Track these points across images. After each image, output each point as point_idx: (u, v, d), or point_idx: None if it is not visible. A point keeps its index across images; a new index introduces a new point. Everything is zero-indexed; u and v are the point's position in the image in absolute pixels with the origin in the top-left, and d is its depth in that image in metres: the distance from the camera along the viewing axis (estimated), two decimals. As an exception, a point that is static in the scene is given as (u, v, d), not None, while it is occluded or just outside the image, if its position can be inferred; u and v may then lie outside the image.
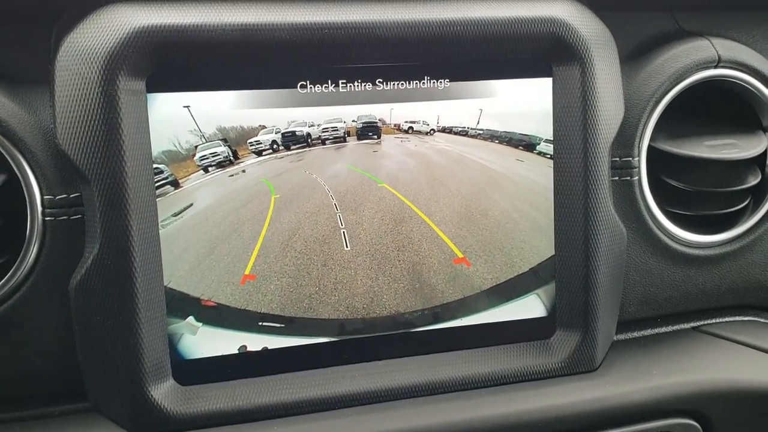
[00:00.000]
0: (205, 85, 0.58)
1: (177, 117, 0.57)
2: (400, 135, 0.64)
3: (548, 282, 0.67)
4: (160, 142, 0.57)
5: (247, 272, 0.60)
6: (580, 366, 0.67)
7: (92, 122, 0.54)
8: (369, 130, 0.63)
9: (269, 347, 0.62)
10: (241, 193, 0.60)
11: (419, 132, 0.64)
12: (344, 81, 0.61)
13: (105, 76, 0.53)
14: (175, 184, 0.59)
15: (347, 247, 0.62)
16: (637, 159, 0.70)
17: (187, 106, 0.57)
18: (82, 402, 0.60)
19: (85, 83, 0.53)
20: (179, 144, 0.58)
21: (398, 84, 0.63)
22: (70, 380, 0.60)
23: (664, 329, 0.77)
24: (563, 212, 0.66)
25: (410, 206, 0.65)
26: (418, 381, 0.63)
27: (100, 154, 0.54)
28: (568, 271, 0.67)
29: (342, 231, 0.62)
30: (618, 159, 0.69)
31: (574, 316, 0.67)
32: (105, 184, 0.55)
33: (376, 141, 0.63)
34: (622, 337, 0.74)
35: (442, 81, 0.64)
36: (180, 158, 0.58)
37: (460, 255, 0.66)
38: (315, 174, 0.62)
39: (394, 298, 0.65)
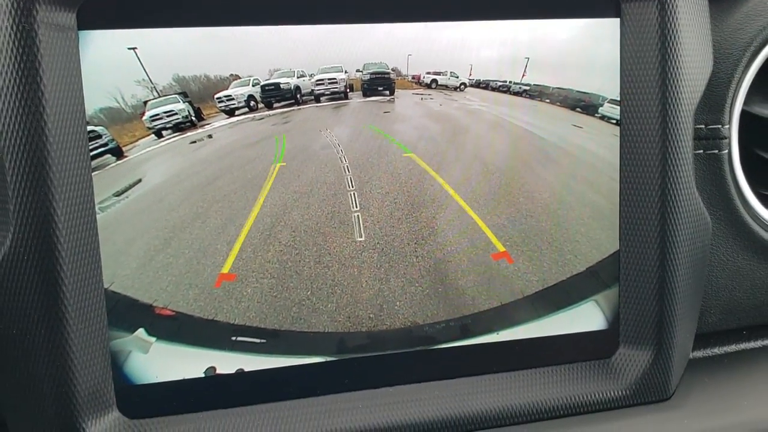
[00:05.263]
0: (156, 18, 0.51)
1: (120, 62, 0.51)
2: (421, 90, 0.57)
3: (610, 285, 0.60)
4: (96, 97, 0.51)
5: (225, 270, 0.54)
6: (649, 394, 0.61)
7: (0, 67, 0.47)
8: (379, 83, 0.56)
9: (245, 369, 0.55)
10: (207, 165, 0.53)
11: (445, 87, 0.57)
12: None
13: (18, 4, 0.47)
14: (118, 152, 0.52)
15: (360, 236, 0.55)
16: (727, 127, 0.64)
17: (133, 48, 0.51)
18: (0, 437, 0.55)
19: None
20: (123, 99, 0.51)
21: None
22: None
23: (752, 344, 0.71)
24: (632, 195, 0.59)
25: (443, 185, 0.57)
26: (441, 414, 0.57)
27: (11, 111, 0.48)
28: (636, 271, 0.60)
29: (355, 215, 0.55)
30: (703, 127, 0.63)
31: (643, 328, 0.60)
32: (19, 152, 0.48)
33: (387, 98, 0.56)
34: (699, 354, 0.69)
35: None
36: (124, 118, 0.52)
37: (501, 248, 0.58)
38: (327, 136, 0.55)
39: (410, 305, 0.57)
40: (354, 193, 0.55)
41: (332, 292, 0.55)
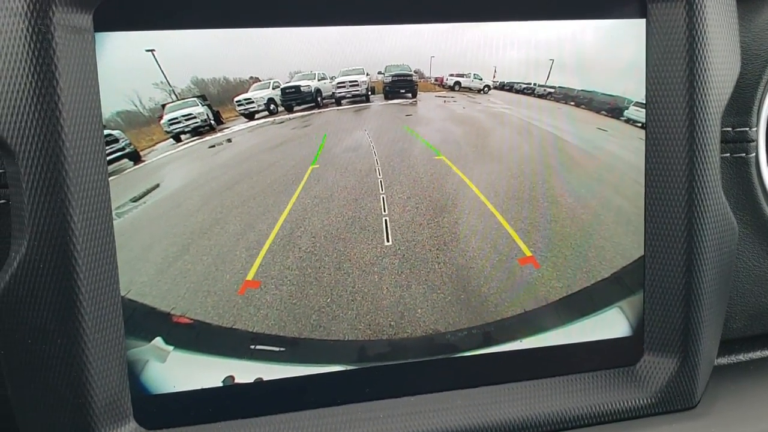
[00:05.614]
0: (174, 20, 0.50)
1: (137, 65, 0.50)
2: (443, 93, 0.56)
3: (635, 292, 0.59)
4: (113, 100, 0.50)
5: (249, 277, 0.53)
6: (675, 402, 0.59)
7: (16, 71, 0.46)
8: (401, 86, 0.55)
9: (264, 378, 0.54)
10: (227, 170, 0.52)
11: (469, 89, 0.56)
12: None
13: (34, 6, 0.46)
14: (135, 157, 0.51)
15: (388, 241, 0.54)
16: (755, 130, 0.63)
17: (151, 50, 0.50)
18: (15, 450, 0.55)
19: (6, 15, 0.46)
20: (140, 102, 0.50)
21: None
22: (0, 422, 0.55)
23: None
24: (658, 200, 0.58)
25: (474, 190, 0.55)
26: (464, 423, 0.56)
27: (27, 115, 0.47)
28: (661, 276, 0.59)
29: (384, 219, 0.54)
30: (730, 129, 0.62)
31: (668, 335, 0.59)
32: (35, 158, 0.47)
33: (410, 101, 0.55)
34: (724, 361, 0.68)
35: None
36: (142, 122, 0.51)
37: (528, 253, 0.57)
38: (361, 138, 0.54)
39: (432, 312, 0.56)
40: (384, 197, 0.54)
41: (352, 300, 0.54)
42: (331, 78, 0.52)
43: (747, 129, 0.62)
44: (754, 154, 0.62)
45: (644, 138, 0.57)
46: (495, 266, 0.56)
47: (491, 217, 0.56)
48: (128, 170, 0.50)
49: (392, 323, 0.55)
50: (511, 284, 0.57)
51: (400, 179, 0.54)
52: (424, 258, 0.55)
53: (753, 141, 0.62)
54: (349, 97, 0.53)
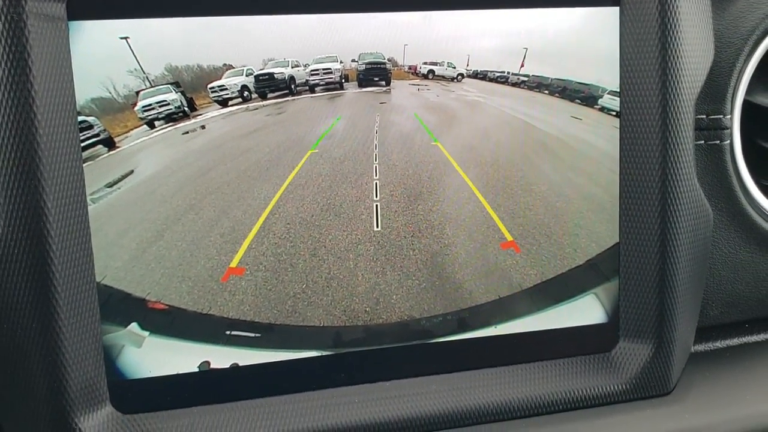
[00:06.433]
0: (147, 9, 0.50)
1: (111, 53, 0.49)
2: (417, 81, 0.55)
3: (610, 278, 0.59)
4: (87, 87, 0.49)
5: (233, 264, 0.53)
6: (650, 388, 0.60)
7: None
8: (374, 74, 0.55)
9: (240, 363, 0.54)
10: (201, 156, 0.52)
11: (442, 77, 0.56)
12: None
13: None
14: (110, 143, 0.51)
15: (377, 227, 0.54)
16: (729, 117, 0.62)
17: (125, 38, 0.50)
18: (-9, 434, 0.54)
19: None
20: (114, 89, 0.50)
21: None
22: None
23: (754, 338, 0.69)
24: (632, 187, 0.58)
25: (464, 178, 0.55)
26: (439, 408, 0.56)
27: (0, 102, 0.47)
28: (636, 263, 0.59)
29: (375, 204, 0.54)
30: (704, 117, 0.62)
31: (644, 322, 0.59)
32: (8, 144, 0.47)
33: (384, 89, 0.55)
34: (701, 348, 0.68)
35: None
36: (116, 108, 0.51)
37: (510, 237, 0.57)
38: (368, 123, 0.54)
39: (407, 298, 0.56)
40: (377, 183, 0.54)
41: (327, 286, 0.54)
42: (305, 65, 0.52)
43: (721, 116, 0.62)
44: (728, 142, 0.62)
45: (618, 126, 0.57)
46: (469, 253, 0.56)
47: (476, 202, 0.56)
48: (103, 156, 0.50)
49: (367, 309, 0.55)
50: (486, 272, 0.57)
51: (400, 163, 0.55)
52: (399, 244, 0.55)
53: (727, 128, 0.62)
54: (322, 85, 0.53)
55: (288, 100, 0.53)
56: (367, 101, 0.54)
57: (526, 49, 0.55)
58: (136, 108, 0.51)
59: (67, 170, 0.48)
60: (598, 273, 0.59)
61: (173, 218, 0.51)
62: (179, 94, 0.51)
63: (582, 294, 0.59)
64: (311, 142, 0.53)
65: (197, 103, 0.52)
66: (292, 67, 0.52)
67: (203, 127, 0.52)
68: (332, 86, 0.54)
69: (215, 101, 0.52)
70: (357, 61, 0.53)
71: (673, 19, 0.55)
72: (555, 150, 0.57)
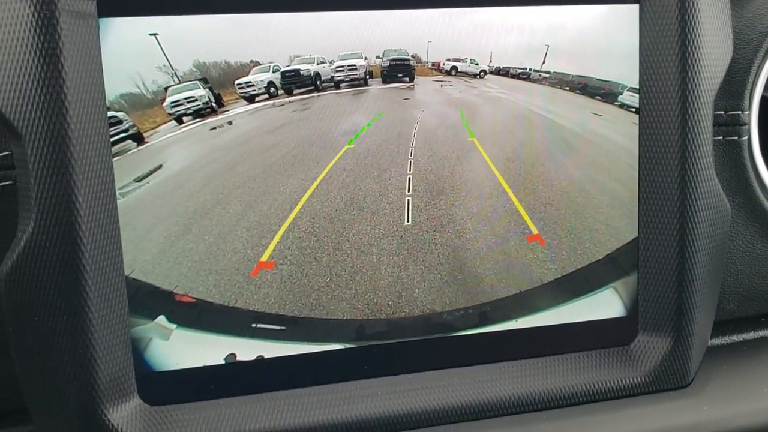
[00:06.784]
0: (176, 6, 0.50)
1: (140, 49, 0.50)
2: (440, 77, 0.56)
3: (629, 273, 0.59)
4: (117, 83, 0.50)
5: (264, 258, 0.53)
6: (668, 380, 0.60)
7: (22, 55, 0.47)
8: (398, 70, 0.55)
9: (265, 356, 0.55)
10: (228, 152, 0.53)
11: (465, 74, 0.56)
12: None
13: None
14: (139, 138, 0.51)
15: (408, 221, 0.55)
16: (747, 113, 0.62)
17: (154, 34, 0.50)
18: (23, 425, 0.56)
19: (12, 1, 0.46)
20: (143, 85, 0.51)
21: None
22: (9, 398, 0.55)
23: None
24: (651, 183, 0.58)
25: (495, 173, 0.56)
26: (460, 401, 0.56)
27: (33, 98, 0.47)
28: (655, 258, 0.59)
29: (407, 199, 0.55)
30: (723, 113, 0.62)
31: (662, 315, 0.59)
32: (41, 140, 0.47)
33: (407, 85, 0.55)
34: (717, 341, 0.68)
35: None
36: (145, 104, 0.51)
37: (535, 231, 0.57)
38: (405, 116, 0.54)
39: (429, 292, 0.56)
40: (410, 178, 0.54)
41: (351, 279, 0.55)
42: (330, 62, 0.53)
43: (739, 112, 0.62)
44: (746, 137, 0.62)
45: (638, 123, 0.57)
46: (491, 248, 0.56)
47: (503, 197, 0.56)
48: (132, 151, 0.51)
49: (390, 303, 0.55)
50: (506, 266, 0.57)
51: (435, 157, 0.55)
52: (421, 239, 0.55)
53: (745, 124, 0.62)
54: (347, 81, 0.53)
55: (313, 96, 0.53)
56: (390, 96, 0.54)
57: (548, 45, 0.56)
58: (164, 104, 0.51)
59: (97, 165, 0.48)
60: (617, 267, 0.59)
61: (201, 212, 0.52)
62: (207, 90, 0.52)
63: (601, 288, 0.59)
64: (340, 138, 0.53)
65: (225, 99, 0.52)
66: (318, 64, 0.52)
67: (230, 122, 0.52)
68: (357, 82, 0.54)
69: (242, 97, 0.52)
70: (381, 58, 0.53)
71: (692, 17, 0.55)
72: (576, 146, 0.57)
